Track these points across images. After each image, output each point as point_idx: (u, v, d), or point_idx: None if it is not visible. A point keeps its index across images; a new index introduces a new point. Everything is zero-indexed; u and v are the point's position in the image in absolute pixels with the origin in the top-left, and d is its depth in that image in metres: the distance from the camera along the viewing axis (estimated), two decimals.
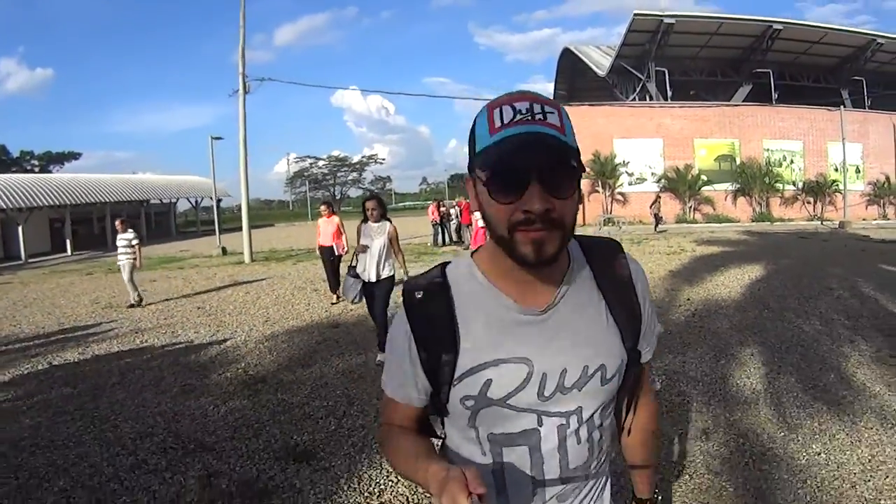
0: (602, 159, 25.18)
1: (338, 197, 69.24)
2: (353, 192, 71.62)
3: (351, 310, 7.64)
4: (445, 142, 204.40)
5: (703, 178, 26.08)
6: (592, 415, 0.94)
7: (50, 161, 57.80)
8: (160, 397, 4.60)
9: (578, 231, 0.90)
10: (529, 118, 0.79)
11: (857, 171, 27.59)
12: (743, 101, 28.38)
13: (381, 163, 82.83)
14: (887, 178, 27.21)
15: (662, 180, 26.10)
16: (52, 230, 26.81)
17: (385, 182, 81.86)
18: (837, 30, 27.25)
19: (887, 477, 2.91)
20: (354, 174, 73.95)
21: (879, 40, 26.99)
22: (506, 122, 0.80)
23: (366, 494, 2.97)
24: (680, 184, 25.89)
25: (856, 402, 3.93)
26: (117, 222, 9.50)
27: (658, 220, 21.53)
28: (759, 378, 4.53)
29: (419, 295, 0.93)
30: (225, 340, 6.49)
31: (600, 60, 31.29)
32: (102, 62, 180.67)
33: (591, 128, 24.37)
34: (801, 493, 2.80)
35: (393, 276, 5.34)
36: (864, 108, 28.63)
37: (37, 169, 53.02)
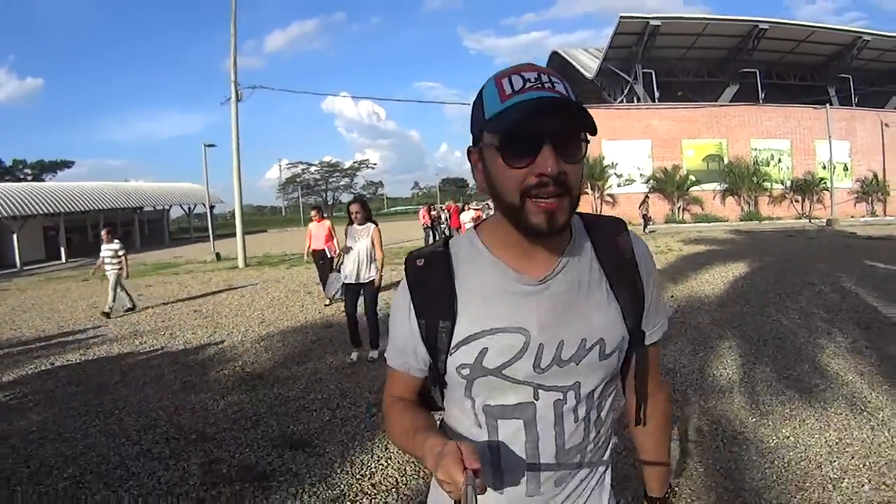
0: (591, 161, 25.06)
1: (330, 202, 69.54)
2: (345, 198, 71.87)
3: (343, 311, 7.77)
4: (436, 146, 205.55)
5: (692, 178, 26.08)
6: (591, 392, 0.92)
7: (43, 170, 57.60)
8: (161, 393, 4.76)
9: None
10: (539, 86, 0.82)
11: (845, 168, 27.64)
12: (730, 101, 28.45)
13: (373, 168, 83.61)
14: (875, 176, 27.28)
15: (651, 181, 26.11)
16: (46, 238, 26.93)
17: (377, 187, 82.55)
18: (823, 28, 27.28)
19: (853, 458, 3.03)
20: (346, 179, 74.73)
21: (865, 37, 27.04)
22: (516, 89, 0.82)
23: (358, 477, 3.14)
24: (668, 184, 25.92)
25: (827, 390, 4.06)
26: (103, 232, 9.43)
27: (647, 220, 21.56)
28: (736, 369, 4.67)
29: (420, 262, 0.95)
30: (222, 341, 6.64)
31: (588, 63, 31.24)
32: (94, 70, 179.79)
33: None
34: (769, 473, 2.93)
35: (378, 278, 5.46)
36: (852, 106, 28.67)
37: (30, 178, 52.78)
